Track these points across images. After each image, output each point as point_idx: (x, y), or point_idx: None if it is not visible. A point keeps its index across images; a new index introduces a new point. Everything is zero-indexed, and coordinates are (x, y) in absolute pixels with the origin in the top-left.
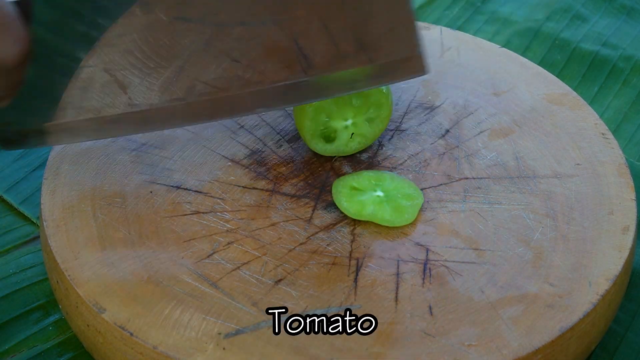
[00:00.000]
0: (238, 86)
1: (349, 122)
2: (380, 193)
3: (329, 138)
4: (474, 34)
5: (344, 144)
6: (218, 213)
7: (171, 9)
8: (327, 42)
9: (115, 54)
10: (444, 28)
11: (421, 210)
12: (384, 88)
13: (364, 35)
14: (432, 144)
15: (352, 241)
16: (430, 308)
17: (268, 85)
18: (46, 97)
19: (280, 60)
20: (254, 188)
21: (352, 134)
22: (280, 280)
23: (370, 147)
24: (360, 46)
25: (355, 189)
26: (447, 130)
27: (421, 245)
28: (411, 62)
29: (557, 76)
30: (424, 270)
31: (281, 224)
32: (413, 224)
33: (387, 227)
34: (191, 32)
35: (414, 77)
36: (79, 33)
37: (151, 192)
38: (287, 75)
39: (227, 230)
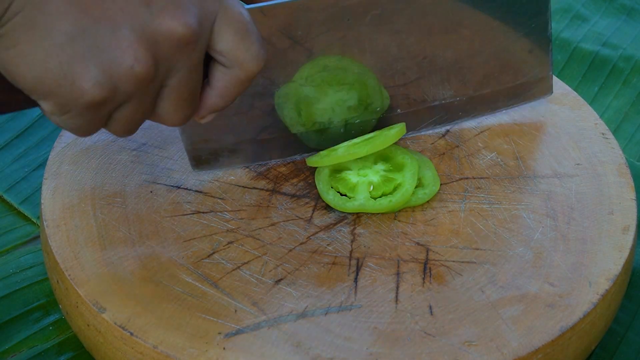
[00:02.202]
0: (401, 106)
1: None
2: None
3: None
4: None
5: (365, 197)
6: (218, 213)
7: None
8: (478, 64)
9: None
10: None
11: (421, 210)
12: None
13: (508, 57)
14: (432, 144)
15: (352, 241)
16: (430, 308)
17: (425, 105)
18: (243, 114)
19: (439, 81)
20: (254, 188)
21: (372, 186)
22: (280, 280)
23: None
24: (504, 67)
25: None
26: (447, 130)
27: (421, 245)
28: (543, 83)
29: (557, 76)
30: (424, 270)
31: (281, 223)
32: (413, 223)
33: (387, 226)
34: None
35: (543, 98)
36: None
37: (151, 191)
38: (441, 95)
39: (227, 230)
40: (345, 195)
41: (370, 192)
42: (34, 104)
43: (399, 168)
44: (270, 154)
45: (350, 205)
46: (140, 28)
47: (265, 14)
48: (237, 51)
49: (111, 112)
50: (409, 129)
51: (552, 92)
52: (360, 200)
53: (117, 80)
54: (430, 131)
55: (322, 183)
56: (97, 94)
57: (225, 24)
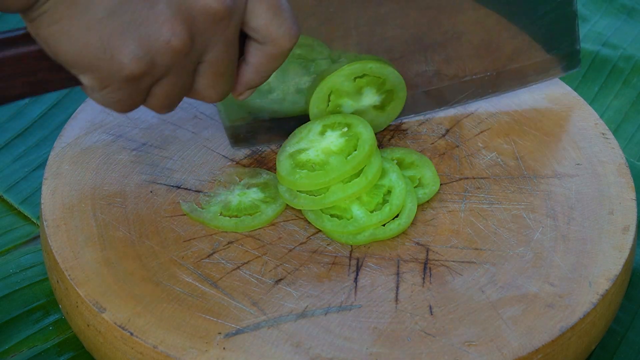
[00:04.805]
0: (433, 82)
1: None
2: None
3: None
4: None
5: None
6: None
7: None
8: (508, 38)
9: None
10: None
11: (421, 210)
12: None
13: (537, 31)
14: (432, 144)
15: None
16: (430, 308)
17: (456, 80)
18: (280, 91)
19: (474, 55)
20: None
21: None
22: (280, 280)
23: None
24: (533, 42)
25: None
26: (447, 130)
27: (421, 245)
28: (572, 56)
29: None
30: (424, 270)
31: (281, 223)
32: (413, 223)
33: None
34: None
35: (571, 71)
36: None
37: (151, 191)
38: (477, 70)
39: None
40: (344, 218)
41: (363, 207)
42: (75, 82)
43: (381, 174)
44: None
45: (361, 238)
46: (177, 3)
47: None
48: (270, 28)
49: (150, 86)
50: (440, 104)
51: (579, 67)
52: (370, 231)
53: (154, 54)
54: (462, 106)
55: (313, 212)
56: (135, 68)
57: (259, 1)
